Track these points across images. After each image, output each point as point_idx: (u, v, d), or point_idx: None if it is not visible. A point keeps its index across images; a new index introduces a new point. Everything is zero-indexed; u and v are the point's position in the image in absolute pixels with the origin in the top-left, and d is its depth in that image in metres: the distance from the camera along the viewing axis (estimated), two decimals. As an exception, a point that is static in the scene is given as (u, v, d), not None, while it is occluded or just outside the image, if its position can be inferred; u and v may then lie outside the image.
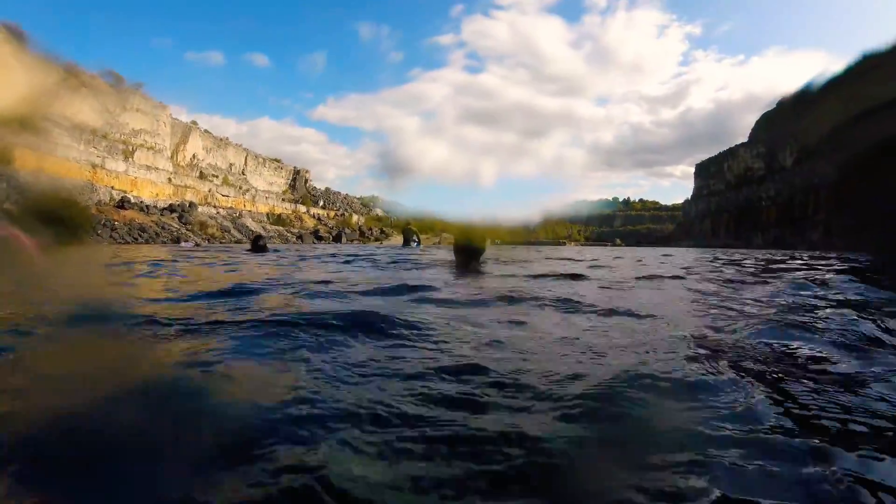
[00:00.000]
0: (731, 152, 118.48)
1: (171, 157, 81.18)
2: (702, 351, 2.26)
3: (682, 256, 18.78)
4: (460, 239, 9.88)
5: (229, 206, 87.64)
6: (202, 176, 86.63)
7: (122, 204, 62.38)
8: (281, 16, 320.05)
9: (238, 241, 61.65)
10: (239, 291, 4.58)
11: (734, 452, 1.28)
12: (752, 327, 2.89)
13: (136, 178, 70.31)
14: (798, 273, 8.04)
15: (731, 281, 6.72)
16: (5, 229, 2.98)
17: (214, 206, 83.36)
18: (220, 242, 59.73)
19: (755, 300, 4.33)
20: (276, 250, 18.69)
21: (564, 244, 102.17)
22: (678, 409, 1.57)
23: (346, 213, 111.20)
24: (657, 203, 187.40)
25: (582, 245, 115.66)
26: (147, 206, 66.44)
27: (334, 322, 2.70)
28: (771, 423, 1.48)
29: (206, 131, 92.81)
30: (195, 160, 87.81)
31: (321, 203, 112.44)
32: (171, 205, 72.19)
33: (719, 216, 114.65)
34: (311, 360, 2.04)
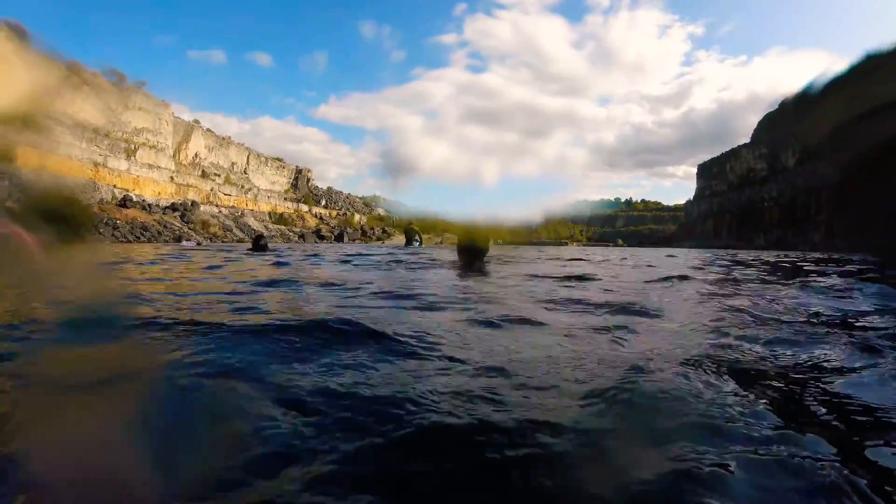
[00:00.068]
0: (734, 153, 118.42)
1: (174, 155, 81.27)
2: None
3: (688, 257, 18.74)
4: (464, 239, 9.87)
5: (231, 205, 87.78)
6: (204, 175, 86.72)
7: (125, 202, 62.50)
8: (283, 14, 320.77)
9: (240, 240, 61.73)
10: (239, 292, 4.58)
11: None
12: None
13: (138, 176, 70.43)
14: (817, 276, 7.82)
15: (761, 281, 6.58)
16: (7, 227, 2.98)
17: (216, 205, 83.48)
18: (223, 241, 59.82)
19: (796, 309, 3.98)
20: (273, 250, 18.69)
21: (566, 244, 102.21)
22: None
23: (349, 213, 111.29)
24: (659, 203, 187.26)
25: (584, 245, 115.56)
26: (149, 205, 66.55)
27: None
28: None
29: (208, 130, 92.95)
30: (197, 159, 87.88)
31: (323, 202, 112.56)
32: (173, 203, 72.30)
33: (721, 217, 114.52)
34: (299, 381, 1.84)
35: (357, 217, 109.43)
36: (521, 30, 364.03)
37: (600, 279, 6.80)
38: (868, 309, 4.09)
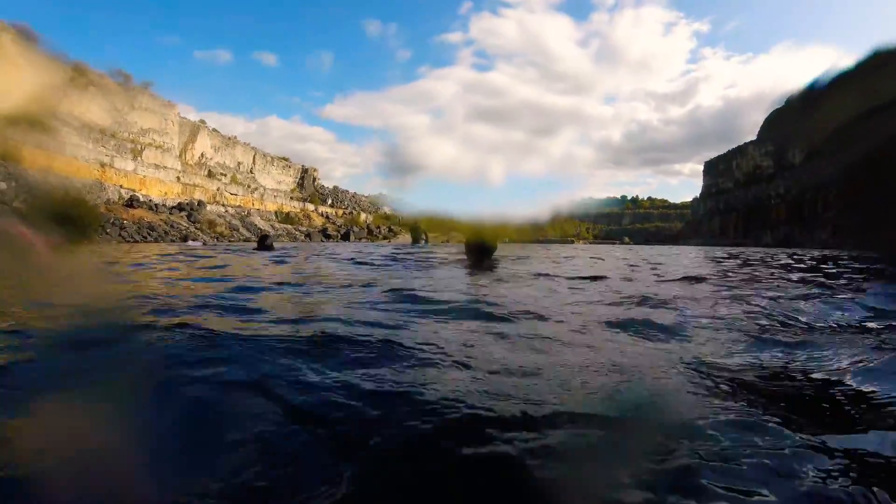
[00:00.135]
0: (740, 150, 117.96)
1: (180, 155, 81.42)
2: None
3: (697, 254, 18.66)
4: (472, 238, 9.89)
5: (238, 204, 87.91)
6: (211, 174, 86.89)
7: (131, 202, 62.66)
8: (288, 14, 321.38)
9: (247, 240, 61.91)
10: (241, 292, 4.61)
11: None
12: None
13: (144, 176, 70.61)
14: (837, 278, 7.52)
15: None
16: (15, 228, 3.00)
17: (223, 205, 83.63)
18: (229, 241, 59.94)
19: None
20: (266, 251, 18.80)
21: (573, 242, 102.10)
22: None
23: (355, 212, 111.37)
24: (666, 201, 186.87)
25: (590, 243, 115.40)
26: (156, 205, 66.72)
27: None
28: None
29: (214, 130, 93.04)
30: (203, 159, 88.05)
31: (329, 201, 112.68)
32: (179, 203, 72.47)
33: (728, 214, 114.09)
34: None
35: (363, 216, 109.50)
36: (527, 28, 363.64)
37: (609, 278, 6.81)
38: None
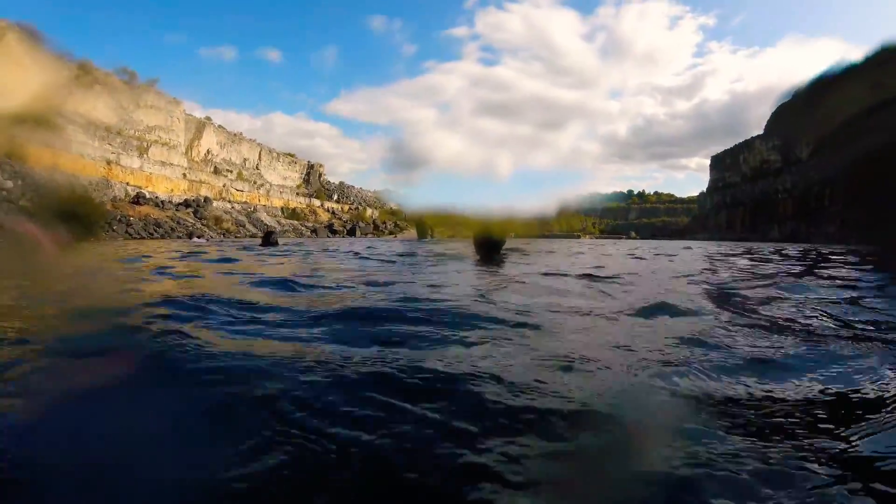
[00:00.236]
0: (747, 144, 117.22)
1: (186, 152, 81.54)
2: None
3: (708, 250, 18.59)
4: (480, 233, 9.87)
5: (244, 200, 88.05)
6: (217, 171, 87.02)
7: (138, 199, 62.83)
8: (292, 10, 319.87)
9: (253, 236, 62.08)
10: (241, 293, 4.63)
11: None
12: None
13: (150, 173, 70.76)
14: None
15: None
16: (22, 225, 3.03)
17: (229, 201, 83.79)
18: (235, 237, 60.14)
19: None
20: (284, 245, 18.85)
21: (579, 237, 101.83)
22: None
23: (360, 207, 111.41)
24: (672, 195, 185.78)
25: (596, 238, 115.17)
26: (162, 202, 66.93)
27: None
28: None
29: (220, 126, 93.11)
30: (209, 155, 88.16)
31: (335, 197, 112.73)
32: (186, 200, 72.67)
33: (735, 209, 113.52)
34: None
35: (369, 211, 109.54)
36: (533, 23, 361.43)
37: (618, 275, 6.78)
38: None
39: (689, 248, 23.97)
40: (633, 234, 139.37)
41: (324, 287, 5.08)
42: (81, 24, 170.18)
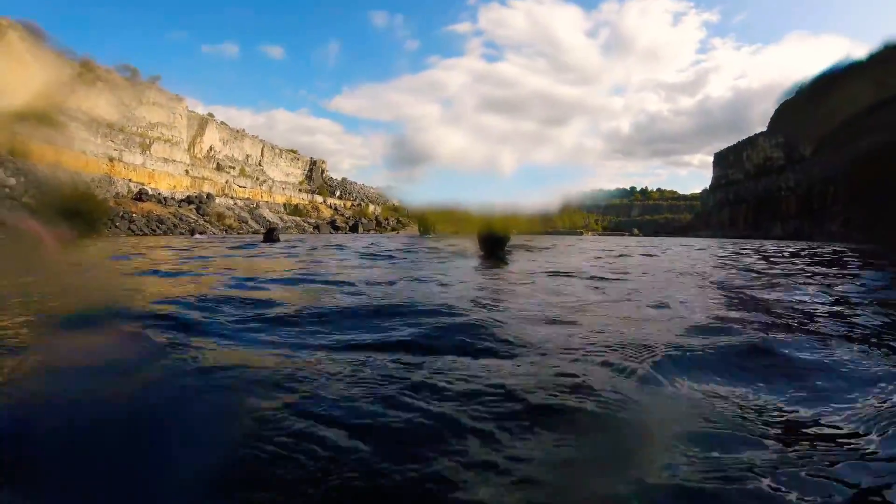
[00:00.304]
0: (751, 141, 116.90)
1: (188, 149, 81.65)
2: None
3: (714, 249, 18.52)
4: (485, 229, 9.84)
5: (246, 196, 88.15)
6: (219, 167, 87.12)
7: (140, 196, 63.00)
8: (294, 6, 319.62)
9: (255, 232, 62.15)
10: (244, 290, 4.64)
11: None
12: None
13: (153, 170, 70.90)
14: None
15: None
16: (24, 222, 3.05)
17: (231, 198, 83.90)
18: (238, 233, 60.21)
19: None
20: (286, 241, 18.89)
21: (582, 234, 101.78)
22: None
23: (363, 204, 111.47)
24: (675, 192, 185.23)
25: (599, 235, 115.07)
26: (165, 198, 67.10)
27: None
28: None
29: (222, 123, 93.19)
30: (212, 152, 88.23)
31: (338, 193, 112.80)
32: (188, 196, 72.80)
33: (738, 206, 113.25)
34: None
35: (371, 208, 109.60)
36: (536, 19, 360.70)
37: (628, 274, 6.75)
38: None
39: (688, 245, 23.87)
40: (635, 230, 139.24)
41: (324, 283, 5.07)
42: (83, 21, 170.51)
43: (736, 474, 1.25)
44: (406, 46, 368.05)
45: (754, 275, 7.04)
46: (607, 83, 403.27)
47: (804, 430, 1.57)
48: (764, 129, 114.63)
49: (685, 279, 6.36)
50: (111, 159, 63.45)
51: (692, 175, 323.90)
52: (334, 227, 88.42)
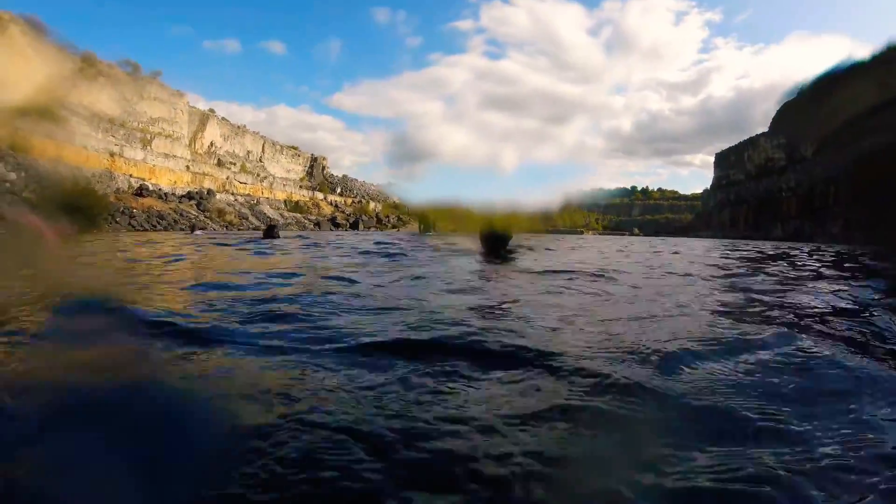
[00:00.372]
0: (752, 142, 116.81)
1: (189, 144, 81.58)
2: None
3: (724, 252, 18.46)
4: (487, 227, 9.80)
5: (247, 193, 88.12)
6: (220, 163, 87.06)
7: (141, 191, 62.96)
8: (295, 2, 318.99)
9: (256, 228, 62.12)
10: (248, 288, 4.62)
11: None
12: None
13: (154, 165, 70.86)
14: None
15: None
16: (25, 217, 3.04)
17: (232, 194, 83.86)
18: (238, 230, 60.25)
19: None
20: (279, 239, 18.89)
21: (583, 233, 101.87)
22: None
23: (364, 201, 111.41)
24: (676, 192, 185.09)
25: (600, 234, 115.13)
26: (165, 194, 67.05)
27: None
28: None
29: (223, 119, 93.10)
30: (213, 148, 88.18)
31: (338, 190, 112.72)
32: (189, 192, 72.75)
33: (739, 207, 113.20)
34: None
35: (372, 205, 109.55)
36: (538, 17, 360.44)
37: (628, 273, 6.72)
38: None
39: (697, 246, 23.87)
40: (636, 230, 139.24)
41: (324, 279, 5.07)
42: (85, 16, 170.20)
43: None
44: (408, 43, 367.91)
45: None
46: (609, 82, 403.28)
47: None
48: (766, 129, 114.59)
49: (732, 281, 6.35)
50: (112, 154, 63.42)
51: (693, 175, 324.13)
52: (335, 224, 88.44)
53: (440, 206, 12.12)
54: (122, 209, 51.77)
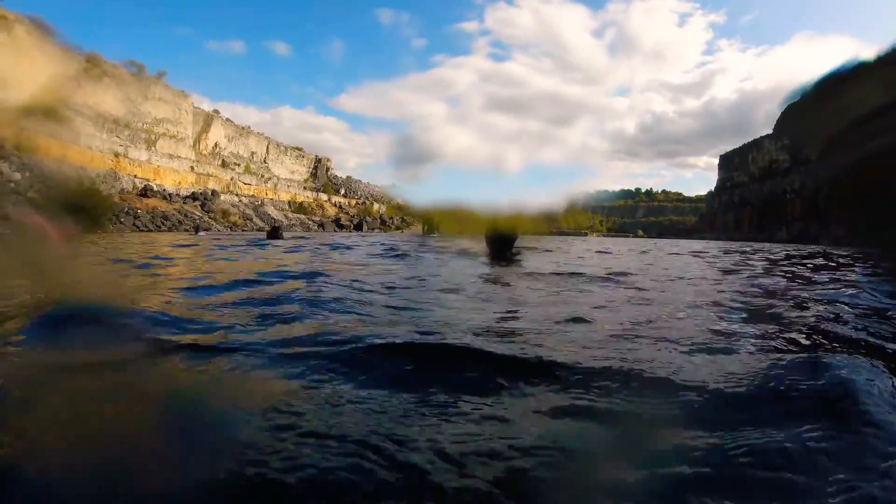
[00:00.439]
0: (756, 143, 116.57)
1: (194, 145, 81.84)
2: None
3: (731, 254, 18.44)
4: (492, 229, 9.76)
5: (251, 194, 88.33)
6: (224, 164, 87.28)
7: (145, 192, 63.16)
8: (300, 3, 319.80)
9: (260, 229, 62.24)
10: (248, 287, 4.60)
11: None
12: None
13: (158, 166, 71.08)
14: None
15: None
16: (29, 217, 3.03)
17: (236, 195, 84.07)
18: (242, 230, 60.35)
19: None
20: (283, 240, 18.90)
21: (587, 234, 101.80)
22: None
23: (368, 202, 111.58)
24: (680, 194, 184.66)
25: (604, 236, 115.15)
26: (170, 195, 67.24)
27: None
28: None
29: (227, 120, 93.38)
30: (217, 148, 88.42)
31: (342, 191, 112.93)
32: (193, 193, 72.96)
33: (743, 209, 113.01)
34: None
35: (376, 206, 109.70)
36: (543, 19, 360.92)
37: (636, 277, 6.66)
38: None
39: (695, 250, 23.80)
40: (640, 232, 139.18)
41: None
42: (90, 16, 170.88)
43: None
44: (412, 44, 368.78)
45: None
46: (613, 83, 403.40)
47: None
48: (769, 131, 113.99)
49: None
50: (116, 155, 63.65)
51: (697, 177, 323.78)
52: (339, 225, 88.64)
53: (444, 207, 12.09)
54: (126, 209, 51.93)
